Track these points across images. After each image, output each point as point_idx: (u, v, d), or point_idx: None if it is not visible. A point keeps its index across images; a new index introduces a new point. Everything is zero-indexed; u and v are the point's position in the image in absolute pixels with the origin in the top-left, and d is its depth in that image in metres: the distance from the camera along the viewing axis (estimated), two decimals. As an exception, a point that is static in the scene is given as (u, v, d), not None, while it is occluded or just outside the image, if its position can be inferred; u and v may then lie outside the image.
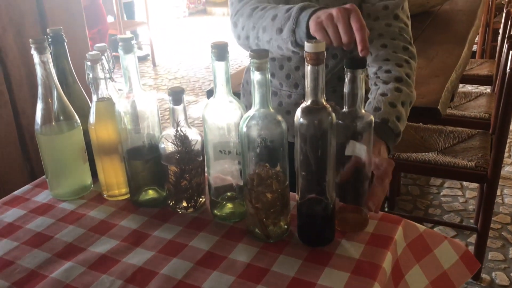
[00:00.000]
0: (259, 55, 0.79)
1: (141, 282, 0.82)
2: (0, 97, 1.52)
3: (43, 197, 1.09)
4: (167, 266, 0.85)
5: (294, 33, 0.97)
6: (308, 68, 0.78)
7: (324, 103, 0.80)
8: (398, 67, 1.11)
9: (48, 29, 1.05)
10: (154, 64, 5.66)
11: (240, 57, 5.62)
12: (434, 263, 0.94)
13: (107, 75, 0.98)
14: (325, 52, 0.77)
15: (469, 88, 3.96)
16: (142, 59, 5.78)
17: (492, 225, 2.21)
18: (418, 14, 2.63)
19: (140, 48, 5.89)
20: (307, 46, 0.76)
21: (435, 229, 2.37)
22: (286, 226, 0.91)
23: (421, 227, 0.95)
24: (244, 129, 0.84)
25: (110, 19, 5.44)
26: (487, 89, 3.75)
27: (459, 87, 2.64)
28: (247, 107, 1.40)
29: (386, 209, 2.50)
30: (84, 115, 1.04)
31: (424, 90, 1.63)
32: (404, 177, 2.84)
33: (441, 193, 2.70)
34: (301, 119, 0.81)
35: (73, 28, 1.69)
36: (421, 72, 1.83)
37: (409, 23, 1.19)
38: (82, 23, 1.74)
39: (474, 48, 4.06)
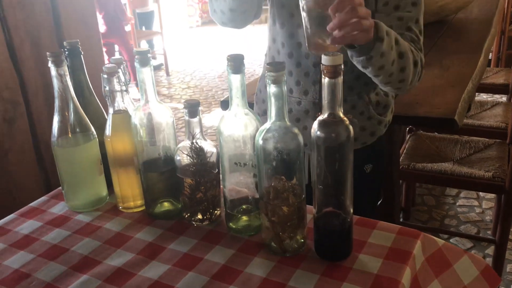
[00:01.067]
0: (276, 68, 0.79)
1: (157, 296, 0.81)
2: (17, 107, 1.54)
3: (59, 208, 1.09)
4: (182, 280, 0.85)
5: None
6: (325, 81, 0.77)
7: (342, 116, 0.79)
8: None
9: (64, 42, 1.05)
10: (167, 74, 5.69)
11: (252, 67, 5.62)
12: (454, 278, 0.92)
13: (123, 88, 0.99)
14: (342, 65, 0.76)
15: (484, 97, 3.91)
16: (155, 68, 5.82)
17: (510, 237, 2.16)
18: (432, 23, 2.60)
19: (154, 57, 5.94)
20: (324, 59, 0.76)
21: (451, 240, 2.34)
22: (302, 240, 0.90)
23: (440, 241, 0.94)
24: (260, 142, 0.83)
25: (127, 28, 5.48)
26: (503, 98, 3.71)
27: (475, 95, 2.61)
28: (259, 114, 1.40)
29: (402, 220, 2.47)
30: (100, 127, 1.05)
31: (440, 101, 1.61)
32: (419, 187, 2.80)
33: (457, 203, 2.67)
34: (318, 132, 0.80)
35: (89, 40, 1.70)
36: (437, 82, 1.81)
37: (421, 37, 1.19)
38: (97, 35, 1.75)
39: (489, 56, 4.01)
